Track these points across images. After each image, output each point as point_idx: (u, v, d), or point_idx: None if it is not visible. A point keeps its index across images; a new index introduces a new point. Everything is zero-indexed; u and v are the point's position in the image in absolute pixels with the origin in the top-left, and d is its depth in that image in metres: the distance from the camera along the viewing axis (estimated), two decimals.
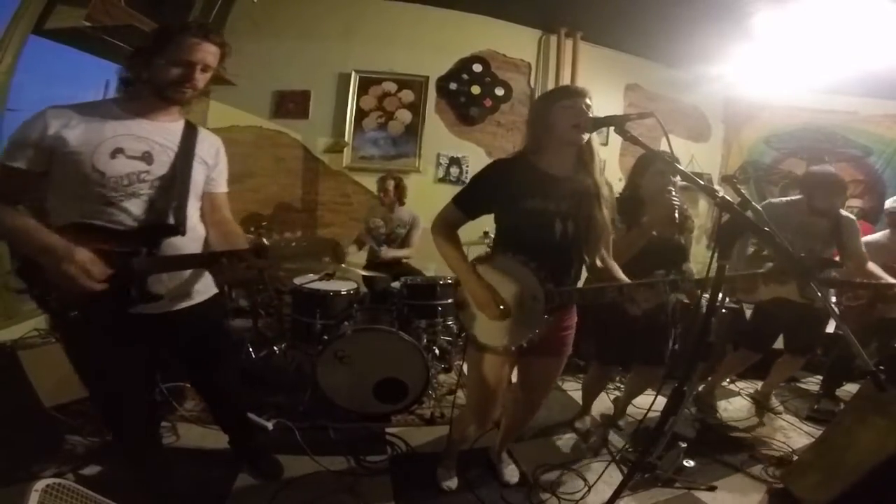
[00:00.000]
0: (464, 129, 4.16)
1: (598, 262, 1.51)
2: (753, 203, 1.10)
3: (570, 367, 3.06)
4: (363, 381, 2.22)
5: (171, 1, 2.96)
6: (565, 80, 4.14)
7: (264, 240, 1.22)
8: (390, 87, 3.99)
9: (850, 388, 2.88)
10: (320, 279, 2.72)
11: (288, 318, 2.86)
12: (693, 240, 2.05)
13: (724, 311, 3.14)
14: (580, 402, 2.51)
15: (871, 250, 2.36)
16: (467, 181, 1.55)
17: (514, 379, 1.70)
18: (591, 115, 1.36)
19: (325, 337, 2.33)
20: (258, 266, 1.23)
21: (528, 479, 1.91)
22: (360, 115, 3.97)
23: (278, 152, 3.99)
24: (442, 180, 4.11)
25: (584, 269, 1.54)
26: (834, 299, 2.49)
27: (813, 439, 2.24)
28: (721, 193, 1.08)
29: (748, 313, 3.13)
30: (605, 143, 4.22)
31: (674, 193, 1.70)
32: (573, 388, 2.85)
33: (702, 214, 4.59)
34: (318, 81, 3.92)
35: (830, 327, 2.60)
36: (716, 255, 1.07)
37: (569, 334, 1.56)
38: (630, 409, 2.45)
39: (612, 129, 1.29)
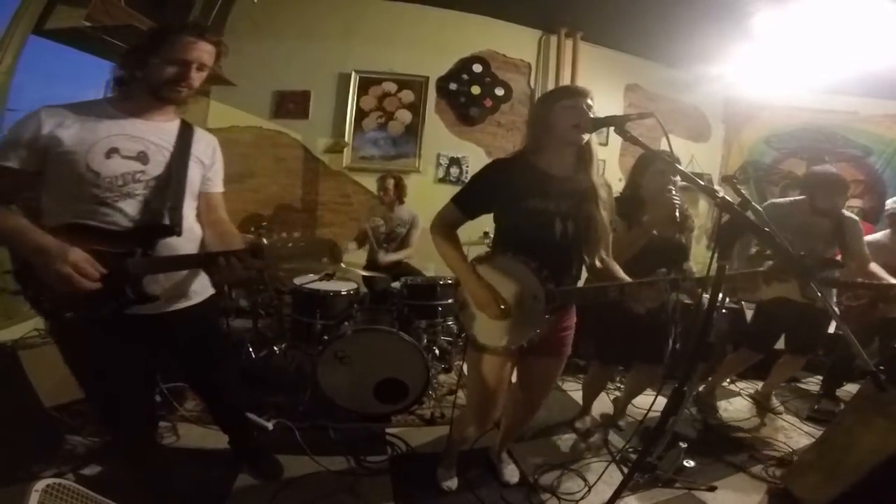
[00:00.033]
0: (464, 129, 4.16)
1: (598, 263, 1.50)
2: (754, 203, 1.10)
3: (570, 367, 3.06)
4: (363, 382, 2.22)
5: (171, 1, 2.96)
6: (565, 81, 4.14)
7: (263, 240, 1.21)
8: (390, 87, 4.00)
9: (850, 389, 2.88)
10: (320, 279, 2.72)
11: (288, 319, 2.86)
12: (693, 240, 2.05)
13: (724, 311, 3.15)
14: (580, 402, 2.51)
15: (871, 250, 2.36)
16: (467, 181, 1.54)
17: (513, 379, 1.70)
18: (591, 116, 1.36)
19: (326, 337, 2.33)
20: (255, 266, 1.22)
21: (528, 479, 1.91)
22: (360, 115, 3.98)
23: (278, 152, 3.99)
24: (442, 180, 4.11)
25: (584, 268, 1.54)
26: (834, 299, 2.49)
27: (813, 439, 2.24)
28: (721, 194, 1.08)
29: (748, 314, 3.14)
30: (605, 144, 4.22)
31: (674, 192, 1.70)
32: (573, 388, 2.85)
33: (702, 215, 4.60)
34: (319, 81, 3.92)
35: (832, 327, 2.60)
36: (716, 255, 1.07)
37: (568, 335, 1.56)
38: (630, 409, 2.45)
39: (612, 129, 1.29)
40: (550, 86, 4.17)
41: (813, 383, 3.19)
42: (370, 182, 3.81)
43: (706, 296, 1.11)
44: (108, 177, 1.16)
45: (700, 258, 2.24)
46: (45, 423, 1.84)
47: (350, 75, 3.90)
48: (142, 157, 1.21)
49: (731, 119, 4.87)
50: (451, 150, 4.13)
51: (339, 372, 2.21)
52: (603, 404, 2.58)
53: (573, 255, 1.45)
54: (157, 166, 1.24)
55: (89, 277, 1.08)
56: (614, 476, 1.88)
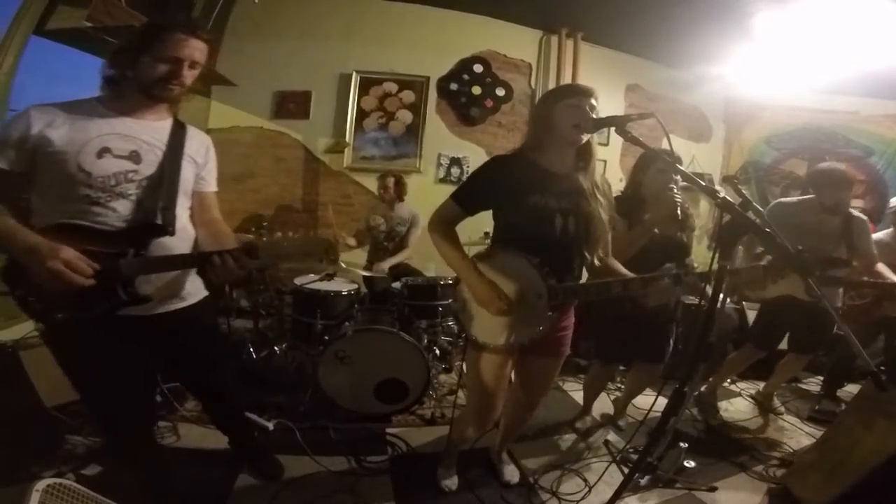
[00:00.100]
0: (464, 129, 4.16)
1: (597, 262, 1.50)
2: (754, 204, 1.10)
3: (570, 367, 3.08)
4: (364, 382, 2.22)
5: (172, 1, 2.97)
6: (566, 81, 4.13)
7: (264, 239, 1.21)
8: (391, 87, 4.00)
9: (851, 389, 2.89)
10: (321, 279, 2.72)
11: (289, 319, 2.86)
12: (694, 240, 2.05)
13: (735, 308, 3.14)
14: (580, 402, 2.51)
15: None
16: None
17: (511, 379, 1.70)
18: (593, 116, 1.36)
19: (326, 337, 2.33)
20: (250, 266, 1.19)
21: (528, 480, 1.91)
22: (361, 115, 3.98)
23: (279, 153, 3.99)
24: (443, 181, 4.12)
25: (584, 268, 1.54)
26: (840, 298, 2.48)
27: (814, 440, 2.24)
28: (722, 194, 1.08)
29: (749, 315, 3.14)
30: (606, 144, 4.22)
31: (676, 191, 1.70)
32: (573, 389, 2.85)
33: (703, 215, 4.59)
34: (319, 82, 3.93)
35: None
36: (717, 255, 1.07)
37: (567, 335, 1.56)
38: (630, 410, 2.45)
39: (612, 129, 1.29)
40: (551, 86, 4.17)
41: (814, 384, 3.18)
42: (371, 182, 3.81)
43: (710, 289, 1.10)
44: (100, 177, 1.15)
45: (701, 258, 2.24)
46: (45, 423, 1.84)
47: (351, 75, 3.90)
48: (134, 157, 1.20)
49: (731, 119, 4.87)
50: (452, 151, 4.14)
51: (339, 372, 2.21)
52: (603, 404, 2.57)
53: (574, 252, 1.45)
54: (149, 166, 1.22)
55: (82, 274, 1.06)
56: (614, 476, 1.88)
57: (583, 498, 1.78)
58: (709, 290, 1.09)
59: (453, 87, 4.06)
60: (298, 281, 2.71)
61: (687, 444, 1.98)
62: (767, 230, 1.02)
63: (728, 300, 3.19)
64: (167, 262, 1.25)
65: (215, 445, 1.88)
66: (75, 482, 1.02)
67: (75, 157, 1.12)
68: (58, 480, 0.97)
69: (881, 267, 2.25)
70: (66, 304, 1.11)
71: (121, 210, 1.18)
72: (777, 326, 2.55)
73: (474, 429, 1.77)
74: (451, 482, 1.83)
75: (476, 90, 4.10)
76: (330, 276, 2.76)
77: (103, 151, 1.15)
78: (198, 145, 1.36)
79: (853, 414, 1.88)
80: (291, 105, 3.92)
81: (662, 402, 1.19)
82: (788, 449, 2.28)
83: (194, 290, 1.40)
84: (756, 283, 2.50)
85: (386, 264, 3.07)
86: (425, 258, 3.27)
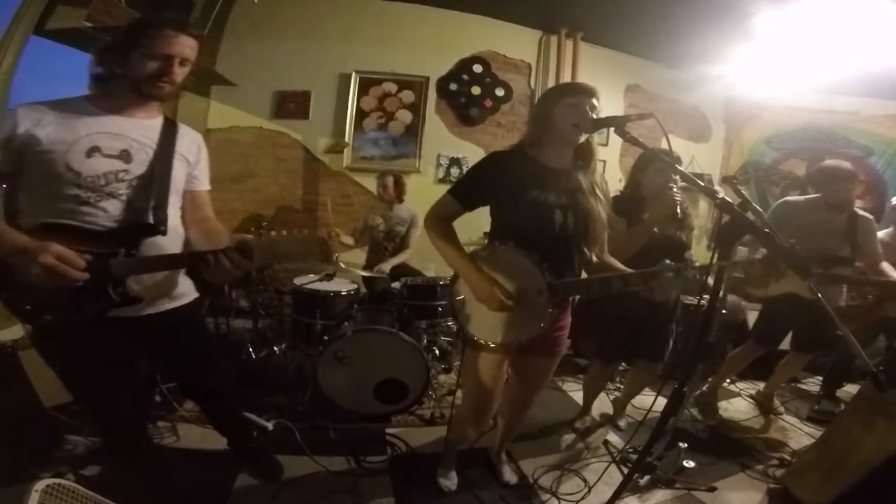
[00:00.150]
0: (464, 129, 4.16)
1: (595, 259, 1.50)
2: (753, 204, 1.09)
3: (570, 367, 3.08)
4: (363, 382, 2.22)
5: (171, 1, 2.97)
6: (566, 81, 4.14)
7: (261, 238, 1.18)
8: (391, 87, 4.00)
9: (850, 389, 2.88)
10: (320, 279, 2.72)
11: (288, 319, 2.86)
12: (693, 240, 2.05)
13: (724, 312, 3.13)
14: (580, 402, 2.51)
15: None
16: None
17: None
18: (592, 116, 1.36)
19: (326, 337, 2.33)
20: (244, 266, 1.15)
21: (527, 480, 1.91)
22: (361, 115, 3.98)
23: (279, 153, 3.99)
24: (442, 181, 4.11)
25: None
26: (844, 297, 2.47)
27: (813, 440, 2.24)
28: (721, 194, 1.08)
29: (750, 315, 3.13)
30: (606, 144, 4.22)
31: (675, 190, 1.70)
32: (573, 389, 2.85)
33: (702, 215, 4.59)
34: (319, 82, 3.92)
35: None
36: (716, 255, 1.07)
37: (563, 334, 1.56)
38: (630, 410, 2.45)
39: (612, 129, 1.29)
40: (551, 86, 4.17)
41: (813, 384, 3.18)
42: (371, 182, 3.81)
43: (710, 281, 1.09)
44: (89, 176, 1.13)
45: (701, 259, 2.23)
46: (45, 423, 1.84)
47: (350, 75, 3.90)
48: (124, 156, 1.18)
49: (731, 119, 4.87)
50: (452, 151, 4.13)
51: (339, 372, 2.21)
52: (602, 404, 2.57)
53: (573, 248, 1.44)
54: (140, 165, 1.20)
55: (76, 266, 1.03)
56: (614, 476, 1.88)
57: (582, 498, 1.79)
58: (709, 288, 1.09)
59: (453, 87, 4.06)
60: (298, 281, 2.71)
61: (686, 444, 1.98)
62: (766, 230, 1.02)
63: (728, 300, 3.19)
64: (159, 261, 1.23)
65: (215, 446, 1.88)
66: (75, 482, 1.02)
67: (64, 156, 1.11)
68: (57, 481, 0.97)
69: (886, 266, 2.24)
70: (56, 306, 1.10)
71: (111, 210, 1.16)
72: (780, 324, 2.54)
73: (471, 427, 1.77)
74: (451, 482, 1.83)
75: (476, 90, 4.09)
76: (329, 277, 2.76)
77: (93, 150, 1.14)
78: (189, 143, 1.34)
79: (852, 414, 1.87)
80: (291, 105, 3.92)
81: (662, 401, 1.19)
82: (788, 449, 2.29)
83: (187, 290, 1.39)
84: (759, 281, 2.49)
85: (387, 265, 3.07)
86: (425, 258, 3.27)
